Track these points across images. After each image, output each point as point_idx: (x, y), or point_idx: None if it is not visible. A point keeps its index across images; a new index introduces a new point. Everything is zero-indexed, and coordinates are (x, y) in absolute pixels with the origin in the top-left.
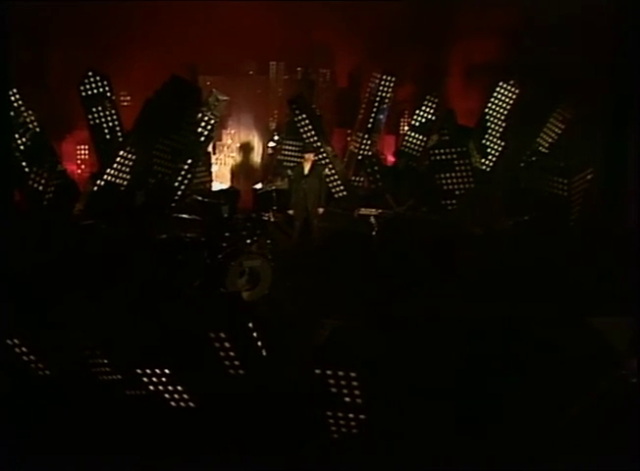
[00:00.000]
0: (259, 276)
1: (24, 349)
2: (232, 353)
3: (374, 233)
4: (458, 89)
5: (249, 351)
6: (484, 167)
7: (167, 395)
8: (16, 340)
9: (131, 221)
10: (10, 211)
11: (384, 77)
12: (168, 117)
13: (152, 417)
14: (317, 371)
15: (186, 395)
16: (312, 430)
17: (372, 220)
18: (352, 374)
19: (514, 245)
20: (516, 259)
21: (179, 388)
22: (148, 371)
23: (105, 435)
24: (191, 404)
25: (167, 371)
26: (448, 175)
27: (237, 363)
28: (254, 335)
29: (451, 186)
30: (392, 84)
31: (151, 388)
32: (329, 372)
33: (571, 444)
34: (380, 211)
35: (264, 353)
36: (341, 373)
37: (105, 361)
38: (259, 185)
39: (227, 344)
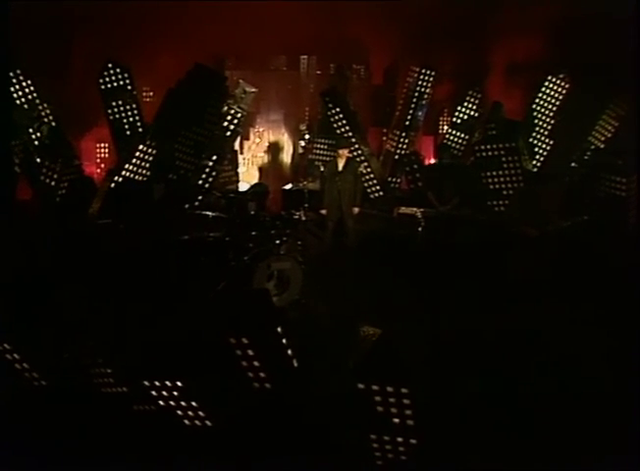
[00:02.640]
0: (289, 279)
1: (16, 356)
2: (256, 363)
3: (420, 228)
4: (501, 87)
5: (277, 361)
6: (532, 166)
7: (180, 412)
8: (7, 346)
9: (150, 219)
10: (10, 209)
11: (423, 71)
12: (191, 108)
13: (163, 437)
14: (360, 386)
15: (201, 413)
16: (353, 455)
17: (419, 215)
18: (404, 390)
19: (574, 247)
20: (576, 262)
21: (193, 403)
22: (157, 383)
23: (108, 455)
24: (208, 423)
25: (179, 384)
26: (495, 173)
27: (262, 375)
28: (283, 341)
29: (497, 186)
30: (431, 79)
31: (161, 403)
32: (375, 387)
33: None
34: (422, 210)
35: (295, 364)
36: (389, 389)
37: (108, 371)
38: (289, 186)
39: (250, 352)
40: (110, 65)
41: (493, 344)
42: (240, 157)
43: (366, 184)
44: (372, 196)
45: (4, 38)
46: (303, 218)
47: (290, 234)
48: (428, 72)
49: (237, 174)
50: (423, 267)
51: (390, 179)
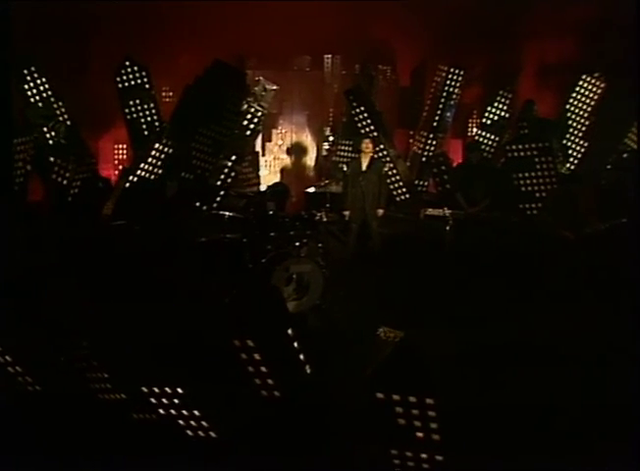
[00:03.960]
0: (308, 283)
1: (8, 358)
2: (264, 369)
3: (448, 228)
4: (532, 88)
5: (288, 367)
6: (566, 168)
7: (181, 422)
8: None
9: (165, 220)
10: (11, 209)
11: (451, 70)
12: (209, 105)
13: (164, 448)
14: (379, 396)
15: (204, 422)
16: None
17: (447, 214)
18: (429, 400)
19: (615, 251)
20: (619, 268)
21: (195, 412)
22: (157, 390)
23: (104, 465)
24: (212, 434)
25: (180, 390)
26: (527, 174)
27: (270, 382)
28: (295, 345)
29: (530, 187)
30: (460, 79)
31: (161, 411)
32: (396, 397)
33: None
34: (450, 211)
35: (307, 370)
36: (412, 399)
37: (105, 376)
38: (312, 189)
39: (257, 356)
40: (127, 63)
41: (525, 352)
42: (261, 159)
43: (392, 187)
44: (398, 199)
45: (6, 36)
46: (324, 219)
47: (310, 235)
48: (457, 71)
49: (258, 175)
50: (450, 271)
51: (417, 181)
